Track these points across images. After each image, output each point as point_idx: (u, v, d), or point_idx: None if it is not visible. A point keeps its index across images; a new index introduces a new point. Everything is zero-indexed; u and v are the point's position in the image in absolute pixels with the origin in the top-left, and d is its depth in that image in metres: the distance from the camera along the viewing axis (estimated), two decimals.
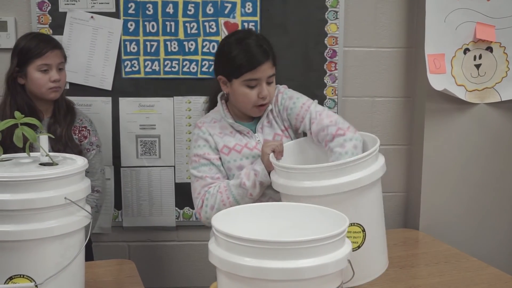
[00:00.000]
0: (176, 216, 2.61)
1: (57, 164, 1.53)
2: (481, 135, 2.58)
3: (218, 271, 1.33)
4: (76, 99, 2.40)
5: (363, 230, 1.64)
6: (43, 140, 1.56)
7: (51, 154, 1.56)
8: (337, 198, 1.59)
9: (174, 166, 2.58)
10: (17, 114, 1.53)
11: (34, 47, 2.12)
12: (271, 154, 1.78)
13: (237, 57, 1.83)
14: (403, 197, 2.74)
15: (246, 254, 1.22)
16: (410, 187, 2.72)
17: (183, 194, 2.59)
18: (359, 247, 1.64)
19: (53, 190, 1.44)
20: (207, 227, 2.60)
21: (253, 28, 2.48)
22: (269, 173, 1.80)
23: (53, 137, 1.74)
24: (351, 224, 1.57)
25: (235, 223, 1.38)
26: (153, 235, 2.65)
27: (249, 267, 1.21)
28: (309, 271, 1.20)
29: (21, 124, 1.53)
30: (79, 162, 1.57)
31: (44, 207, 1.42)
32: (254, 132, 1.93)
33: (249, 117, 1.94)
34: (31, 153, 1.58)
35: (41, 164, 1.54)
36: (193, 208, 2.61)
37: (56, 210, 1.45)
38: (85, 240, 1.57)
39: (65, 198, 1.45)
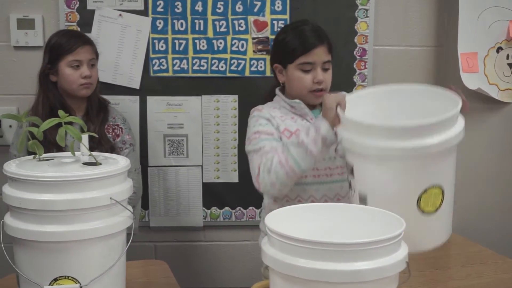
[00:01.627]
0: (203, 216, 2.59)
1: (100, 164, 1.51)
2: None
3: (272, 272, 1.30)
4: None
5: (443, 193, 1.57)
6: (85, 139, 1.54)
7: (93, 153, 1.54)
8: (421, 159, 1.47)
9: (202, 166, 2.56)
10: (61, 112, 1.50)
11: (64, 43, 2.10)
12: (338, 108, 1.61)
13: (291, 41, 1.84)
14: None
15: (302, 255, 1.20)
16: None
17: (211, 194, 2.57)
18: (436, 210, 1.56)
19: (98, 190, 1.41)
20: (235, 227, 2.61)
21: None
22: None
23: (96, 135, 1.72)
24: (433, 187, 1.51)
25: (287, 222, 1.35)
26: (180, 235, 2.63)
27: (305, 269, 1.19)
28: (368, 274, 1.18)
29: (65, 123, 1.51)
30: (121, 162, 1.55)
31: (90, 207, 1.40)
32: None
33: (312, 106, 1.90)
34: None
35: (84, 163, 1.52)
36: (220, 208, 2.60)
37: (101, 211, 1.43)
38: (128, 241, 1.55)
39: (110, 198, 1.43)
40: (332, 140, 1.64)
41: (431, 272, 1.99)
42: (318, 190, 1.88)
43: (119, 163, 1.54)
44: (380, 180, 1.51)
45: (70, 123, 1.53)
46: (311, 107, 1.91)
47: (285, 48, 1.85)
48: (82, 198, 1.38)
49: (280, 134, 1.84)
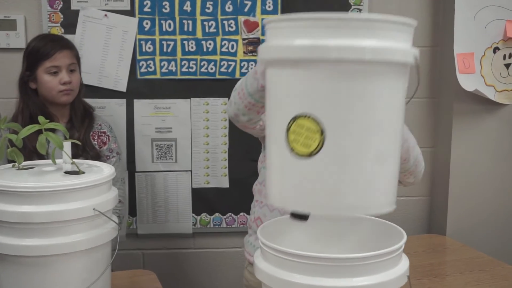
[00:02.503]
0: (193, 222, 2.52)
1: (83, 173, 1.43)
2: (511, 136, 2.51)
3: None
4: (89, 101, 2.29)
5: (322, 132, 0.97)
6: (67, 146, 1.46)
7: (75, 161, 1.46)
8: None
9: (191, 171, 2.48)
10: (41, 119, 1.43)
11: (42, 48, 2.01)
12: None
13: None
14: (427, 201, 2.66)
15: (297, 270, 1.13)
16: (435, 191, 2.63)
17: (200, 200, 2.50)
18: (311, 154, 0.98)
19: (81, 200, 1.34)
20: (226, 234, 2.54)
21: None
22: None
23: (79, 143, 1.63)
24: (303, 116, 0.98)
25: (281, 234, 1.28)
26: (169, 242, 2.55)
27: (302, 285, 1.12)
28: None
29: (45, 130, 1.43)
30: (106, 170, 1.47)
31: (72, 219, 1.33)
32: None
33: None
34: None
35: (66, 172, 1.44)
36: (210, 214, 2.53)
37: (84, 223, 1.36)
38: (113, 254, 1.48)
39: (94, 209, 1.36)
40: None
41: (430, 280, 1.94)
42: None
43: (103, 171, 1.47)
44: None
45: (53, 130, 1.46)
46: None
47: None
48: (64, 209, 1.31)
49: None
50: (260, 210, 1.76)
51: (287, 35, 1.02)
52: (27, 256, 1.30)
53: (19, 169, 1.48)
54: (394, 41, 1.01)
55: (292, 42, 0.99)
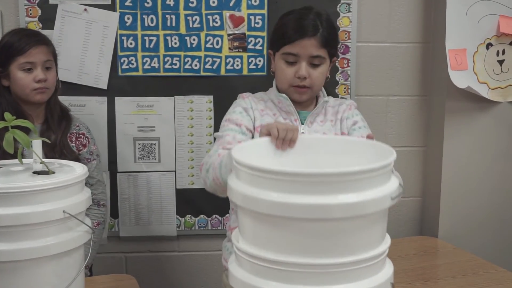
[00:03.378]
0: (177, 224, 2.44)
1: (53, 173, 1.36)
2: (504, 135, 2.47)
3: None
4: (68, 99, 2.23)
5: None
6: (37, 145, 1.38)
7: (46, 160, 1.38)
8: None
9: (175, 171, 2.40)
10: (7, 115, 1.34)
11: (15, 43, 1.90)
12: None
13: (282, 26, 1.70)
14: (418, 202, 2.60)
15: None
16: (426, 192, 2.58)
17: (185, 202, 2.42)
18: None
19: (50, 202, 1.27)
20: (211, 236, 2.46)
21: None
22: None
23: (48, 141, 1.55)
24: None
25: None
26: (153, 245, 2.48)
27: None
28: None
29: (12, 127, 1.34)
30: (78, 169, 1.39)
31: (40, 222, 1.26)
32: (302, 123, 1.72)
33: (302, 106, 1.75)
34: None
35: (34, 172, 1.36)
36: (195, 216, 2.45)
37: (53, 226, 1.29)
38: (86, 258, 1.40)
39: (63, 211, 1.28)
40: None
41: (421, 284, 1.88)
42: None
43: (75, 171, 1.39)
44: None
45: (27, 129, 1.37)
46: (300, 106, 1.75)
47: (275, 34, 1.73)
48: (32, 211, 1.24)
49: (253, 128, 1.70)
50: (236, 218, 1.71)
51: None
52: None
53: None
54: (368, 190, 1.02)
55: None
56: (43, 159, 1.36)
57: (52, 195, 1.27)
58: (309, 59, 1.66)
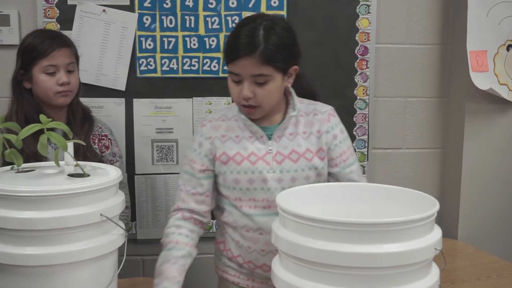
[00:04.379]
0: None
1: (88, 175, 1.34)
2: None
3: None
4: (86, 101, 2.18)
5: None
6: (70, 147, 1.37)
7: (78, 163, 1.36)
8: None
9: None
10: (43, 118, 1.33)
11: (38, 46, 1.86)
12: None
13: (226, 43, 1.58)
14: None
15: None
16: (445, 193, 2.57)
17: None
18: None
19: (87, 205, 1.26)
20: None
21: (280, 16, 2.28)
22: None
23: (83, 143, 1.53)
24: None
25: None
26: None
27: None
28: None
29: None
30: (112, 172, 1.38)
31: (77, 225, 1.25)
32: (269, 138, 1.62)
33: (269, 119, 1.64)
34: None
35: (70, 175, 1.34)
36: (213, 218, 2.42)
37: (90, 229, 1.28)
38: (120, 262, 1.38)
39: (101, 214, 1.27)
40: None
41: (447, 286, 1.87)
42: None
43: (109, 174, 1.38)
44: None
45: (53, 129, 1.35)
46: (267, 120, 1.64)
47: (223, 50, 1.62)
48: (69, 215, 1.23)
49: (212, 160, 1.64)
50: (223, 235, 1.78)
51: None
52: (29, 266, 1.23)
53: (18, 171, 1.38)
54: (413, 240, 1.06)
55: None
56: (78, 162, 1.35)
57: (89, 198, 1.27)
58: (252, 78, 1.52)
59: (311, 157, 1.61)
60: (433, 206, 1.14)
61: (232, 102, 1.72)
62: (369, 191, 1.32)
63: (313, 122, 1.64)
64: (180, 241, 1.64)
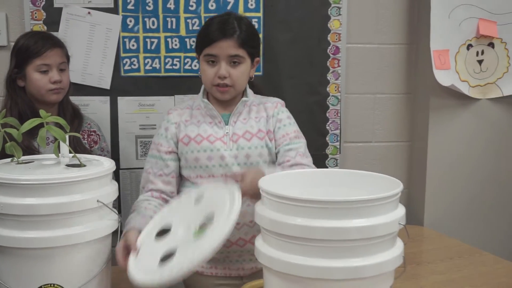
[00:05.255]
0: None
1: (85, 166, 1.45)
2: (484, 130, 2.61)
3: (267, 271, 1.28)
4: (73, 99, 2.25)
5: None
6: (67, 140, 1.48)
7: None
8: None
9: None
10: (42, 112, 1.44)
11: (32, 46, 1.97)
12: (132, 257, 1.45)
13: (203, 30, 1.78)
14: (404, 193, 2.72)
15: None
16: (412, 183, 2.72)
17: None
18: None
19: (85, 192, 1.37)
20: None
21: (255, 22, 2.43)
22: None
23: (80, 136, 1.64)
24: None
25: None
26: None
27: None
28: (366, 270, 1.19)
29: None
30: (106, 163, 1.50)
31: (76, 211, 1.35)
32: (227, 124, 1.80)
33: (226, 107, 1.82)
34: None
35: (67, 165, 1.45)
36: None
37: (87, 214, 1.39)
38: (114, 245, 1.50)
39: (97, 201, 1.38)
40: None
41: (413, 268, 2.02)
42: None
43: (103, 164, 1.50)
44: None
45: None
46: (224, 109, 1.83)
47: (197, 39, 1.81)
48: (68, 201, 1.34)
49: (177, 142, 1.80)
50: None
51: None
52: (31, 248, 1.32)
53: (18, 163, 1.49)
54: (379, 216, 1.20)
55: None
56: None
57: (87, 186, 1.37)
58: (228, 59, 1.73)
59: (263, 137, 1.79)
60: (397, 187, 1.27)
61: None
62: (344, 176, 1.44)
63: (264, 109, 1.84)
64: (148, 208, 1.71)
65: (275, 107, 1.84)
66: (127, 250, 1.47)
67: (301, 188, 1.39)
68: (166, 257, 1.32)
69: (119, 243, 1.49)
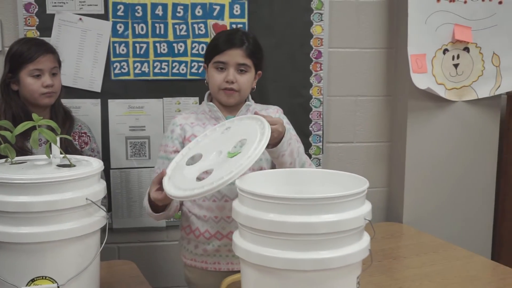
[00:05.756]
0: None
1: (74, 166, 1.54)
2: (460, 131, 2.70)
3: (244, 263, 1.37)
4: (65, 102, 2.35)
5: None
6: (58, 142, 1.57)
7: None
8: None
9: None
10: (35, 116, 1.52)
11: (25, 52, 2.06)
12: (165, 179, 1.58)
13: (214, 41, 1.92)
14: (385, 192, 2.84)
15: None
16: (392, 182, 2.82)
17: None
18: None
19: (74, 191, 1.44)
20: None
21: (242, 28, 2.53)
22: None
23: (70, 138, 1.73)
24: None
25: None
26: (143, 236, 2.66)
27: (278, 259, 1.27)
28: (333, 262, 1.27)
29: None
30: (94, 163, 1.58)
31: (66, 208, 1.43)
32: None
33: (230, 113, 1.94)
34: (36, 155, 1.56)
35: (58, 165, 1.54)
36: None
37: (77, 211, 1.46)
38: (103, 241, 1.58)
39: (86, 199, 1.46)
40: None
41: (389, 262, 2.11)
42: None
43: (92, 164, 1.57)
44: None
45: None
46: (228, 113, 1.94)
47: (208, 49, 1.95)
48: (59, 199, 1.40)
49: (183, 142, 1.90)
50: (188, 219, 1.96)
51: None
52: (24, 243, 1.39)
53: (12, 163, 1.57)
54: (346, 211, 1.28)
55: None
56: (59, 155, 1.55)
57: (76, 185, 1.44)
58: (236, 66, 1.87)
59: None
60: (364, 184, 1.37)
61: (202, 100, 2.00)
62: (316, 175, 1.54)
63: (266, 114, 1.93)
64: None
65: (276, 112, 1.99)
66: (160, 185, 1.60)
67: (275, 186, 1.48)
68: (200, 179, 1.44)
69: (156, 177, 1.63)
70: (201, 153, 1.61)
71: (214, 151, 1.56)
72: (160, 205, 1.73)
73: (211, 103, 1.93)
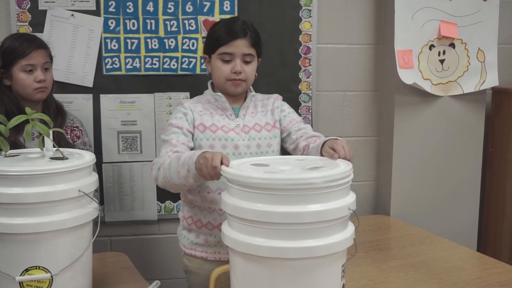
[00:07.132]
0: (157, 209, 2.66)
1: (67, 158, 1.58)
2: (445, 125, 2.75)
3: (232, 253, 1.41)
4: (57, 96, 2.38)
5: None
6: (51, 134, 1.60)
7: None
8: None
9: None
10: (28, 110, 1.56)
11: (18, 47, 2.09)
12: (223, 167, 1.48)
13: (216, 32, 1.92)
14: (373, 185, 2.89)
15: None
16: (379, 176, 2.87)
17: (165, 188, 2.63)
18: None
19: (67, 183, 1.48)
20: None
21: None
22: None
23: (62, 131, 1.77)
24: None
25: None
26: (135, 229, 2.69)
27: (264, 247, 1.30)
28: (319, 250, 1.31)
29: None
30: (87, 156, 1.62)
31: (59, 199, 1.46)
32: (237, 116, 1.94)
33: (234, 102, 1.97)
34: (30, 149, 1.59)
35: (51, 158, 1.58)
36: (174, 201, 2.68)
37: (69, 203, 1.50)
38: (95, 232, 1.62)
39: (78, 190, 1.50)
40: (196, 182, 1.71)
41: (376, 253, 2.16)
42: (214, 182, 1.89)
43: (84, 157, 1.61)
44: None
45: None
46: (232, 103, 1.97)
47: (211, 38, 1.94)
48: (52, 191, 1.44)
49: (194, 128, 1.92)
50: (191, 210, 1.97)
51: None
52: (18, 233, 1.43)
53: (6, 156, 1.60)
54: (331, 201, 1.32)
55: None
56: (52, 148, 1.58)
57: (69, 177, 1.48)
58: (242, 57, 1.89)
59: (270, 129, 1.96)
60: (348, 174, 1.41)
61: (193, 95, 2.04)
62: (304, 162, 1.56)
63: (267, 103, 2.01)
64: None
65: (277, 100, 2.03)
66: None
67: (262, 175, 1.52)
68: None
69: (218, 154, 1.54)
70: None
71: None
72: (201, 174, 1.62)
73: (218, 93, 1.94)
